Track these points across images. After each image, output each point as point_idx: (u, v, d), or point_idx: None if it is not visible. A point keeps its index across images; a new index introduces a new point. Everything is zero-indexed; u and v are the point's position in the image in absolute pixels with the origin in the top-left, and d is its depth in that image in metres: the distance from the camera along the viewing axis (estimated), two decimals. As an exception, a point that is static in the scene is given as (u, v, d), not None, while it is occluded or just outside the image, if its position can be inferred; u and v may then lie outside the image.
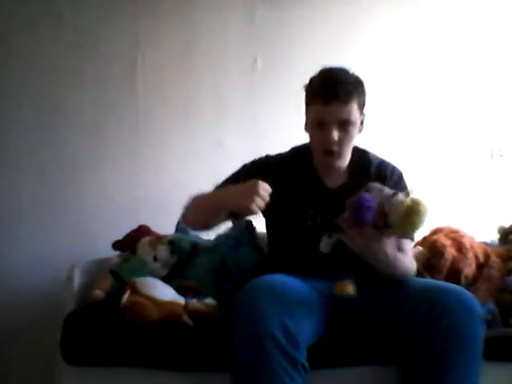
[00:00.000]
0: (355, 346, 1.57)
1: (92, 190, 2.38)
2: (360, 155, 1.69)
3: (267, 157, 1.73)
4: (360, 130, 1.62)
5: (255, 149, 2.36)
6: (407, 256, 1.60)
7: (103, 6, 2.37)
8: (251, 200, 1.39)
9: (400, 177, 1.71)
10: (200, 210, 1.61)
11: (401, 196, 1.37)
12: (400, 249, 1.55)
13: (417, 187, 2.46)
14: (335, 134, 1.53)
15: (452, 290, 1.47)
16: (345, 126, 1.54)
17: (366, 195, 1.39)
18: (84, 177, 2.37)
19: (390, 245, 1.45)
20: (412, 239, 1.66)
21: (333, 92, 1.51)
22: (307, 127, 1.63)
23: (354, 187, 1.60)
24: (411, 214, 1.33)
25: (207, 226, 1.65)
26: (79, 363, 1.56)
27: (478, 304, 1.45)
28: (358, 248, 1.43)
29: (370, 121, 2.57)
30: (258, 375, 1.33)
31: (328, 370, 1.52)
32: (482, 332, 1.42)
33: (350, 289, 1.43)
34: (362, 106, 1.59)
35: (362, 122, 1.61)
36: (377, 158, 1.72)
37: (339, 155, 1.59)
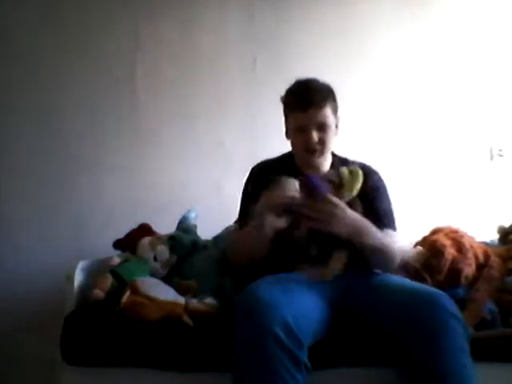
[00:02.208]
0: (356, 346, 1.56)
1: (92, 190, 2.38)
2: (341, 160, 1.80)
3: (254, 167, 1.83)
4: (336, 133, 1.74)
5: (255, 149, 2.37)
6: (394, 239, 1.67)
7: (103, 7, 2.37)
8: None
9: (380, 178, 1.80)
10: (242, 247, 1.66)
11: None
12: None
13: (417, 187, 2.50)
14: (315, 136, 1.68)
15: (424, 292, 1.49)
16: (322, 128, 1.69)
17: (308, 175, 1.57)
18: (84, 177, 2.37)
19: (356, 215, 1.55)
20: (394, 228, 1.72)
21: (308, 99, 1.67)
22: (288, 134, 1.77)
23: None
24: (353, 176, 1.60)
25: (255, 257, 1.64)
26: (79, 363, 1.57)
27: (451, 302, 1.45)
28: (333, 221, 1.50)
29: (370, 120, 2.60)
30: (259, 374, 1.33)
31: (329, 370, 1.52)
32: (456, 327, 1.41)
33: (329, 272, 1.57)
34: (335, 111, 1.73)
35: (336, 126, 1.74)
36: (356, 162, 1.79)
37: (321, 153, 1.72)
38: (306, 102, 1.67)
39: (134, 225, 2.06)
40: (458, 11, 2.62)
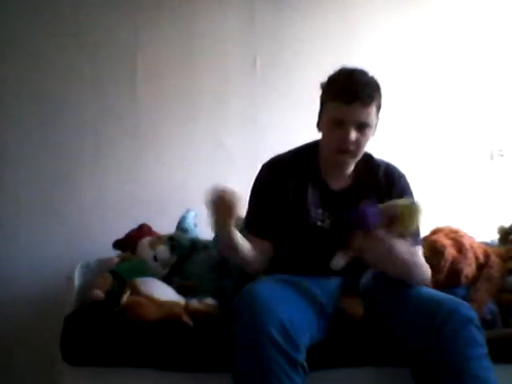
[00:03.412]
0: (357, 347, 1.56)
1: (92, 190, 2.38)
2: (366, 159, 1.68)
3: (266, 165, 1.70)
4: (373, 133, 1.60)
5: (255, 149, 2.38)
6: (421, 260, 1.60)
7: (103, 6, 2.37)
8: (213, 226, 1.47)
9: (407, 182, 1.71)
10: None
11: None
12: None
13: (417, 187, 2.50)
14: (353, 135, 1.52)
15: (447, 301, 1.47)
16: (362, 127, 1.53)
17: (363, 205, 1.44)
18: (84, 177, 2.37)
19: (405, 251, 1.46)
20: (420, 242, 1.66)
21: (355, 93, 1.50)
22: (321, 125, 1.61)
23: (359, 190, 1.63)
24: (413, 211, 1.45)
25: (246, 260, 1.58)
26: (79, 363, 1.56)
27: (472, 311, 1.46)
28: (373, 256, 1.45)
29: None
30: (256, 376, 1.33)
31: (329, 371, 1.52)
32: (479, 337, 1.42)
33: (359, 310, 1.50)
34: (379, 110, 1.58)
35: (375, 125, 1.60)
36: (383, 162, 1.71)
37: (354, 155, 1.58)
38: (351, 95, 1.49)
39: (134, 225, 2.06)
40: (459, 12, 2.62)
